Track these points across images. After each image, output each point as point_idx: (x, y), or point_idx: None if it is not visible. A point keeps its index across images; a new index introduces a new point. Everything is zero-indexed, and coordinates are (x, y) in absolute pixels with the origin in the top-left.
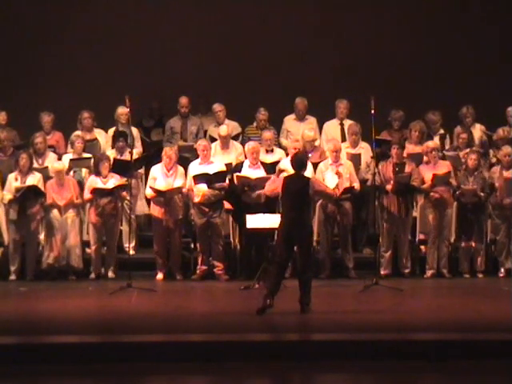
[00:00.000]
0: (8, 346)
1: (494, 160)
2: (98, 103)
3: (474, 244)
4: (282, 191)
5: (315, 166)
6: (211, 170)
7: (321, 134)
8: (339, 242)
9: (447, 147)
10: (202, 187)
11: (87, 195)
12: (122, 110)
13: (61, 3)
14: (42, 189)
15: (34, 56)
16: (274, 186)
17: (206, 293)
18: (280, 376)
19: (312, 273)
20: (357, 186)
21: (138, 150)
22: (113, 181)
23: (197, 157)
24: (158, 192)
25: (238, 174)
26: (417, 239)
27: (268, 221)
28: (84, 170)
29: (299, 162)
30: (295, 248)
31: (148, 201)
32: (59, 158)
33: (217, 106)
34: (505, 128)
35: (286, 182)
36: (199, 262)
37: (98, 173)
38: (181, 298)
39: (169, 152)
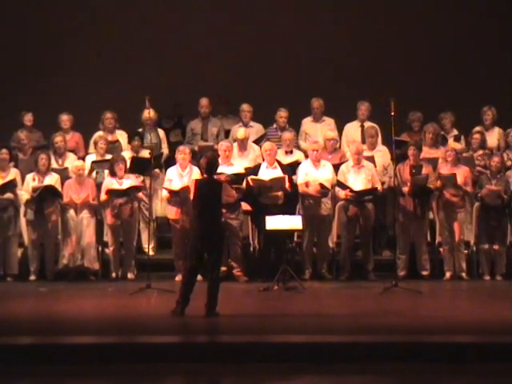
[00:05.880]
0: (27, 346)
1: (509, 163)
2: (119, 104)
3: (497, 247)
4: (194, 195)
5: (336, 168)
6: (230, 171)
7: (341, 135)
8: (360, 243)
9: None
10: None
11: (103, 196)
12: (147, 116)
13: (86, 4)
14: (60, 189)
15: (57, 57)
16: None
17: (226, 294)
18: (293, 379)
19: (220, 277)
20: (379, 187)
21: (163, 151)
22: (128, 181)
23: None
24: (172, 192)
25: (252, 176)
26: (436, 241)
27: (287, 222)
28: (106, 172)
29: (212, 165)
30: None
31: None
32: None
33: (245, 107)
34: None
35: (198, 185)
36: None
37: (113, 174)
38: (200, 299)
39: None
